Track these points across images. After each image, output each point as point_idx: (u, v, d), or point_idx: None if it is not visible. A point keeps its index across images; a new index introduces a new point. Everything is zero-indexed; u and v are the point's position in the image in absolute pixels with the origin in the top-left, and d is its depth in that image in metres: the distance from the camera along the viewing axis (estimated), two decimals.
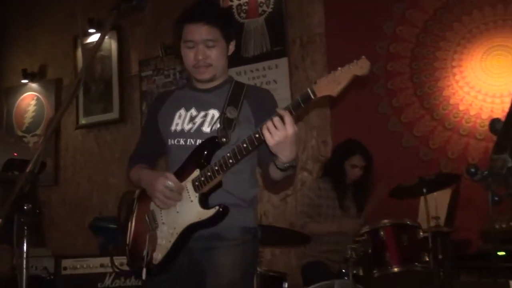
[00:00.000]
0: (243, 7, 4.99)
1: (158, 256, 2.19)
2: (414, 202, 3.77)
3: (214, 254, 2.16)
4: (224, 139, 2.14)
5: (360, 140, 3.88)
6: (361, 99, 4.37)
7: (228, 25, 2.27)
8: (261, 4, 4.90)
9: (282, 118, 1.89)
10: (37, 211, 1.71)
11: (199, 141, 2.20)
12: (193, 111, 2.28)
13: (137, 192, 2.42)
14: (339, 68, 1.88)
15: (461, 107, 4.13)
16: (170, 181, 2.14)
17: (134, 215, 2.38)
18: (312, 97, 1.89)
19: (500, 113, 3.91)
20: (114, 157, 5.65)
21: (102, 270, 3.70)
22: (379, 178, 3.87)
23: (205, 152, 2.14)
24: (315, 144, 4.63)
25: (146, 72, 5.50)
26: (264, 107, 2.21)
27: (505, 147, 1.25)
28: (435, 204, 3.59)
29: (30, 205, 1.68)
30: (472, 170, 1.26)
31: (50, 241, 5.41)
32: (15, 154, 4.03)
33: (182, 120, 2.29)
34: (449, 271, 3.53)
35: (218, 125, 2.19)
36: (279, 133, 1.89)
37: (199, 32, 2.19)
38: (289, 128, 1.88)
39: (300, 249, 4.05)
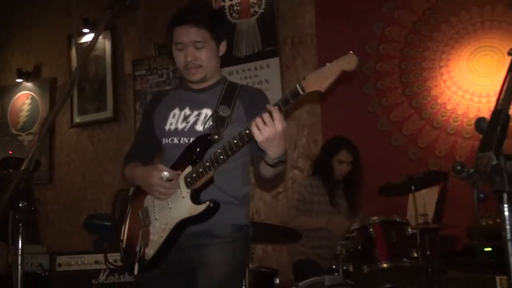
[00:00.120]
0: (235, 8, 5.01)
1: (150, 251, 2.20)
2: (402, 200, 3.81)
3: (205, 251, 2.17)
4: (216, 137, 2.15)
5: (348, 137, 3.91)
6: (351, 99, 4.43)
7: (217, 26, 2.27)
8: (253, 5, 4.93)
9: (271, 114, 1.89)
10: (32, 208, 1.72)
11: (192, 140, 2.22)
12: (187, 111, 2.30)
13: (131, 190, 2.44)
14: (327, 64, 1.87)
15: (448, 107, 4.18)
16: (164, 171, 2.14)
17: (129, 212, 2.39)
18: (301, 92, 1.88)
19: (487, 112, 3.93)
20: (108, 156, 5.66)
21: (96, 266, 3.73)
22: (369, 176, 3.91)
23: (198, 149, 2.16)
24: (306, 143, 4.67)
25: (139, 71, 5.53)
26: (257, 106, 2.17)
27: (490, 145, 1.24)
28: (423, 202, 3.61)
29: (25, 203, 1.69)
30: (458, 168, 1.25)
31: (45, 239, 5.41)
32: (10, 152, 4.07)
33: (176, 120, 2.30)
34: (437, 267, 3.55)
35: (211, 123, 2.21)
36: (268, 129, 1.88)
37: (188, 34, 2.20)
38: (278, 124, 1.88)
39: (291, 246, 4.08)
